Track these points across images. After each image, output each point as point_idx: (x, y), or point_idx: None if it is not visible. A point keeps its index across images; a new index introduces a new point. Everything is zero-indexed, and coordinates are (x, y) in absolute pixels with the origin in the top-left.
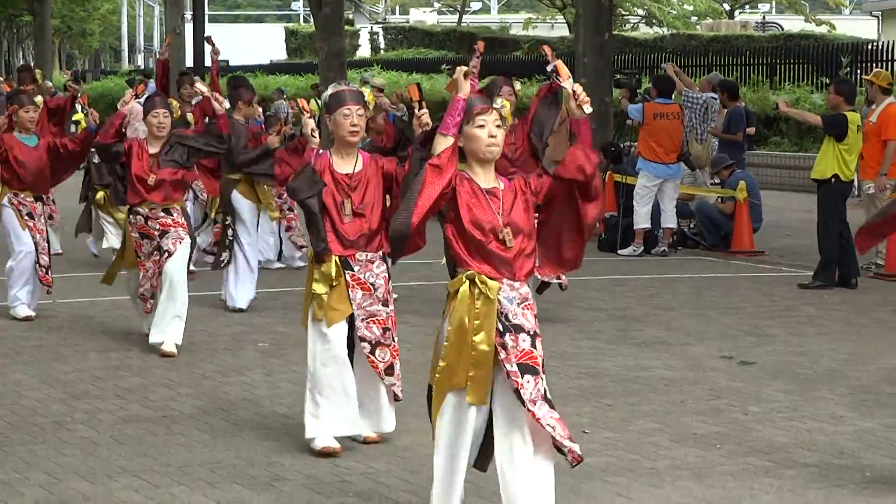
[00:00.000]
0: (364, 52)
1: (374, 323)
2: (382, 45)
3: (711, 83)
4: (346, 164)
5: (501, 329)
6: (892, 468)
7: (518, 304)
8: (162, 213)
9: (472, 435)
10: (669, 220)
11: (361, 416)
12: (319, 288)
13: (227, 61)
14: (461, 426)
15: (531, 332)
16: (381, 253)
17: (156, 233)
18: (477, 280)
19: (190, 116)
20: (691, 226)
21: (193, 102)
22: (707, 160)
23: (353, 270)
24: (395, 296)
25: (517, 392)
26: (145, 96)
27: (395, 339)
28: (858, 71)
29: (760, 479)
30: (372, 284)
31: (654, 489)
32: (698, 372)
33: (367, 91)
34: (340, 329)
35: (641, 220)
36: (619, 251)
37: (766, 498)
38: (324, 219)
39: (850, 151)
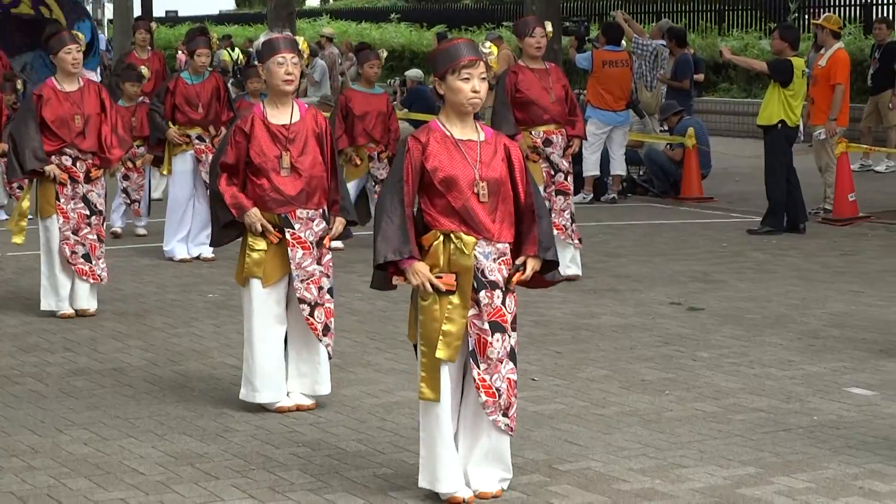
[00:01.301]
0: (313, 1)
1: (312, 283)
2: None
3: (661, 30)
4: (282, 115)
5: (476, 286)
6: (839, 412)
7: (494, 259)
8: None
9: (450, 395)
10: (618, 168)
11: (296, 380)
12: (258, 244)
13: (176, 11)
14: (446, 382)
15: (504, 289)
16: (322, 210)
17: (81, 176)
18: (452, 236)
19: (145, 70)
20: (640, 173)
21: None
22: (656, 107)
23: (293, 229)
24: (340, 245)
25: (474, 352)
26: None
27: (332, 296)
28: (806, 16)
29: (709, 425)
30: (311, 243)
31: (604, 435)
32: (647, 318)
33: (301, 40)
34: (278, 289)
35: (590, 168)
36: None
37: (714, 443)
38: (259, 174)
39: (796, 97)
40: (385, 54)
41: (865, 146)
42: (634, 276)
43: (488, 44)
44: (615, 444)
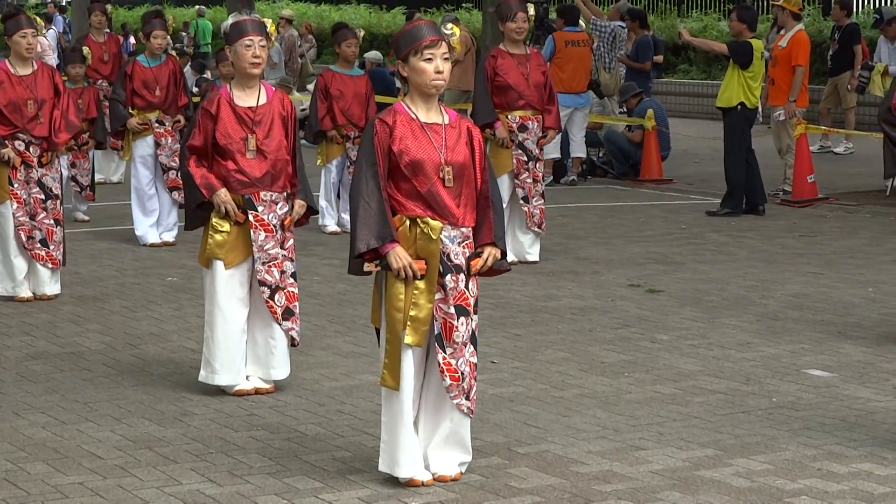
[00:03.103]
0: None
1: (274, 266)
2: None
3: (620, 11)
4: (249, 97)
5: (442, 270)
6: (798, 393)
7: (459, 242)
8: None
9: (412, 381)
10: (578, 150)
11: (253, 364)
12: (221, 225)
13: None
14: (408, 369)
15: (467, 272)
16: (285, 193)
17: (35, 161)
18: (419, 220)
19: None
20: (600, 155)
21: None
22: (615, 89)
23: (256, 210)
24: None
25: (440, 336)
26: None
27: (295, 280)
28: None
29: (668, 407)
30: (274, 226)
31: (563, 418)
32: (606, 301)
33: (269, 23)
34: (241, 270)
35: (551, 150)
36: None
37: (673, 425)
38: (225, 156)
39: (755, 79)
40: (363, 33)
41: (824, 128)
42: (593, 259)
43: (450, 25)
44: (574, 426)
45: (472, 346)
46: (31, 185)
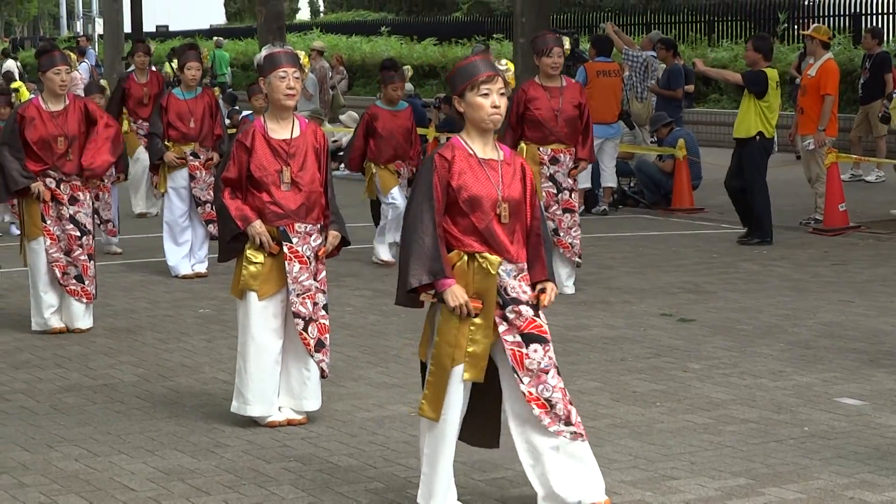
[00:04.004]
0: (304, 15)
1: (308, 298)
2: (322, 8)
3: (652, 41)
4: (283, 130)
5: (502, 303)
6: (830, 422)
7: (514, 276)
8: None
9: (459, 413)
10: (609, 180)
11: (286, 396)
12: (256, 256)
13: (166, 26)
14: (456, 403)
15: (531, 303)
16: (319, 225)
17: (66, 198)
18: (477, 256)
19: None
20: (631, 184)
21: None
22: (647, 118)
23: (291, 242)
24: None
25: (514, 367)
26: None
27: (326, 312)
28: (796, 27)
29: (700, 436)
30: (308, 258)
31: (595, 447)
32: (638, 330)
33: (301, 54)
34: (274, 302)
35: (582, 180)
36: None
37: (705, 454)
38: (259, 188)
39: (771, 108)
40: (410, 72)
41: (855, 156)
42: (625, 288)
43: (504, 61)
44: (606, 455)
45: (554, 372)
46: (63, 222)
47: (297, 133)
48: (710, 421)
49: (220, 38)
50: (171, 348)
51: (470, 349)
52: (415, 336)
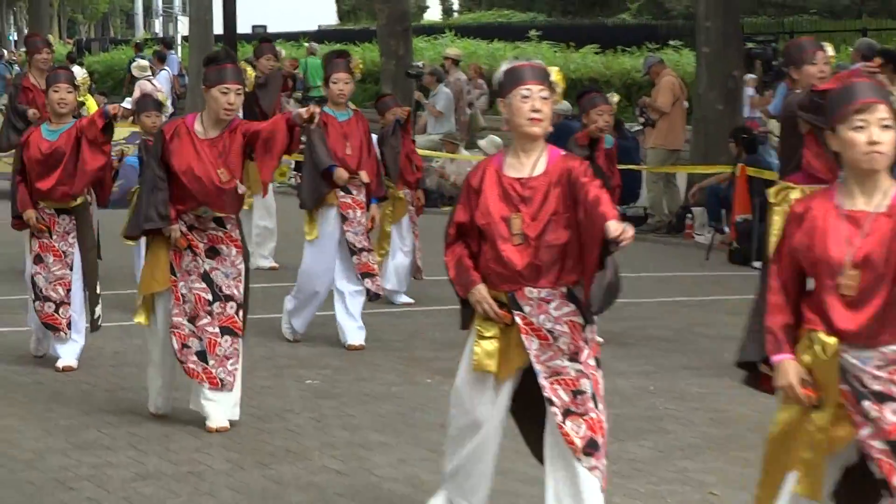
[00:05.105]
0: (433, 14)
1: (560, 383)
2: (456, 7)
3: (860, 52)
4: (523, 166)
5: (857, 397)
6: None
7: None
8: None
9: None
10: None
11: None
12: (487, 330)
13: (264, 27)
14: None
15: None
16: (561, 290)
17: (202, 246)
18: (814, 338)
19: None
20: None
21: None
22: None
23: (523, 311)
24: (599, 339)
25: (884, 481)
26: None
27: (599, 406)
28: None
29: None
30: (550, 331)
31: None
32: None
33: (555, 71)
34: (506, 387)
35: None
36: (755, 263)
37: None
38: (478, 240)
39: None
40: (617, 98)
41: None
42: None
43: (555, 68)
44: None
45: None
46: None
47: (540, 170)
48: None
49: (314, 44)
50: (270, 428)
51: (805, 455)
52: None
